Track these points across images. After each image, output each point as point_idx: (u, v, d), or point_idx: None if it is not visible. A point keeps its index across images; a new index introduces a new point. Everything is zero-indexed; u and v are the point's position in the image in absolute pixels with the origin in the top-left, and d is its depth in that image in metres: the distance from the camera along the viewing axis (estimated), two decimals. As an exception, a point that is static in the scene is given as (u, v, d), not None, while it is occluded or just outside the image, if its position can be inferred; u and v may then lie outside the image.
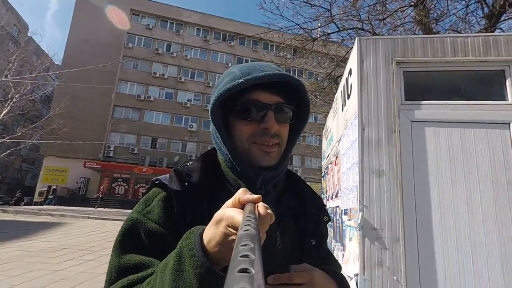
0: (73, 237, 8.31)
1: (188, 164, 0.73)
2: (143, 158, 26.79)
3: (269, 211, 0.42)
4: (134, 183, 26.65)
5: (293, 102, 0.69)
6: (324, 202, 0.83)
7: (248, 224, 0.29)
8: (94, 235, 8.92)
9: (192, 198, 0.62)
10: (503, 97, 1.62)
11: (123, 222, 0.62)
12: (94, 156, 25.98)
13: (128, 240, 0.59)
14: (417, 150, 1.65)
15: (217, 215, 0.44)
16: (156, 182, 0.66)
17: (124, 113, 28.05)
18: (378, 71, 1.73)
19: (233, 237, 0.41)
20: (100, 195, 24.00)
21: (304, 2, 6.33)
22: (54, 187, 23.96)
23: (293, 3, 6.22)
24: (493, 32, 5.47)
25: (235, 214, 0.40)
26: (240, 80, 0.61)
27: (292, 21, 7.44)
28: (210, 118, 0.66)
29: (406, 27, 6.45)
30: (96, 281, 4.50)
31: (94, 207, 22.56)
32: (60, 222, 11.63)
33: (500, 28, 6.53)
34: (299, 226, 0.73)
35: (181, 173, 0.66)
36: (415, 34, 6.87)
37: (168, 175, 0.67)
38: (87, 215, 14.23)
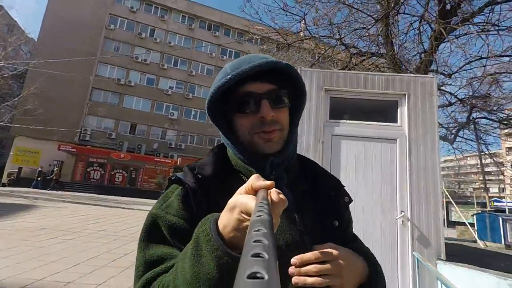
0: (51, 218, 8.57)
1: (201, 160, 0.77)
2: (121, 143, 26.53)
3: (281, 196, 0.43)
4: (110, 169, 26.38)
5: (289, 86, 0.71)
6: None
7: (261, 210, 0.30)
8: (71, 218, 9.20)
9: (206, 190, 0.65)
10: (395, 120, 2.28)
11: (145, 219, 0.66)
12: (69, 139, 25.42)
13: (150, 235, 0.62)
14: (334, 156, 2.28)
15: (231, 201, 0.46)
16: (173, 178, 0.70)
17: (103, 96, 27.52)
18: (311, 95, 2.34)
19: (246, 223, 0.42)
20: (54, 177, 23.26)
21: (281, 8, 6.87)
22: (40, 168, 23.26)
23: (270, 10, 6.74)
24: (433, 53, 6.25)
25: (248, 201, 0.42)
26: (229, 76, 0.63)
27: (270, 26, 7.94)
28: (208, 116, 0.70)
29: (370, 39, 7.18)
30: (78, 256, 4.94)
31: (51, 189, 21.57)
32: (35, 204, 11.70)
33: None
34: (318, 207, 0.73)
35: (194, 168, 0.69)
36: (377, 45, 7.65)
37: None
38: (61, 199, 14.28)
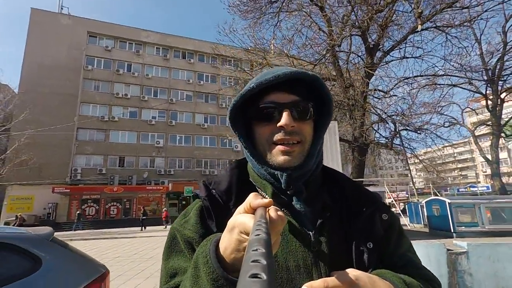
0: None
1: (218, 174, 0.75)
2: (112, 177, 27.40)
3: (280, 213, 0.42)
4: (105, 203, 27.17)
5: (315, 99, 0.68)
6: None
7: (259, 229, 0.29)
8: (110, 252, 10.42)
9: (221, 205, 0.65)
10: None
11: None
12: (61, 180, 26.11)
13: (171, 248, 0.66)
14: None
15: (230, 222, 0.45)
16: (193, 194, 0.72)
17: (89, 135, 28.41)
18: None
19: (246, 243, 0.40)
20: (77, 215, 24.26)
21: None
22: (79, 211, 23.84)
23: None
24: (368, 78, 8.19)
25: (246, 220, 0.41)
26: (252, 85, 0.62)
27: (242, 47, 9.86)
28: (230, 125, 0.68)
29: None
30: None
31: (73, 229, 22.74)
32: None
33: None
34: (346, 227, 0.67)
35: (210, 183, 0.69)
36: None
37: None
38: (74, 237, 15.25)
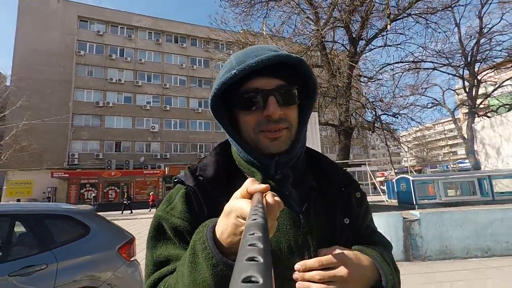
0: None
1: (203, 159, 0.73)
2: (109, 162, 28.01)
3: (276, 199, 0.43)
4: (103, 187, 27.89)
5: (298, 81, 0.67)
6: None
7: (256, 214, 0.30)
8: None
9: (208, 191, 0.63)
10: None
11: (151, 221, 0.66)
12: (59, 165, 26.65)
13: (157, 237, 0.64)
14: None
15: (227, 206, 0.46)
16: (175, 180, 0.70)
17: (84, 120, 28.66)
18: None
19: (243, 227, 0.41)
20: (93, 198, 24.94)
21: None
22: (94, 195, 24.69)
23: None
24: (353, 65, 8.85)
25: (243, 205, 0.42)
26: (234, 71, 0.60)
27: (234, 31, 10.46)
28: (212, 113, 0.66)
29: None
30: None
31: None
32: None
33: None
34: (328, 206, 0.70)
35: (196, 169, 0.68)
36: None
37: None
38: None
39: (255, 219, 0.28)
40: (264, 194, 0.42)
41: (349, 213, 0.70)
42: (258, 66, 0.59)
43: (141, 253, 7.07)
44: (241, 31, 11.56)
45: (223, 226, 0.46)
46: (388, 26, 7.53)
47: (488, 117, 12.30)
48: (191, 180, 0.65)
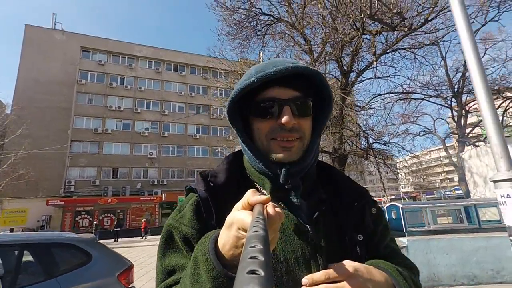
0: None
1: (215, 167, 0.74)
2: (105, 188, 27.89)
3: (277, 210, 0.42)
4: (98, 214, 27.51)
5: (314, 94, 0.69)
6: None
7: (257, 225, 0.30)
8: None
9: (218, 198, 0.64)
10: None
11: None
12: (54, 193, 26.46)
13: (166, 245, 0.64)
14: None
15: (228, 218, 0.46)
16: (187, 187, 0.70)
17: (82, 147, 28.85)
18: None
19: (244, 239, 0.39)
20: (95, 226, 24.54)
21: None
22: (96, 222, 24.33)
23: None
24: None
25: (244, 217, 0.41)
26: (252, 79, 0.61)
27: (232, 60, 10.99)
28: (228, 119, 0.68)
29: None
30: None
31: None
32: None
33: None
34: (338, 219, 0.69)
35: (207, 176, 0.68)
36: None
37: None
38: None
39: (256, 231, 0.28)
40: (265, 206, 0.42)
41: (363, 230, 0.68)
42: (276, 76, 0.61)
43: (138, 281, 7.06)
44: (239, 60, 12.19)
45: (225, 238, 0.46)
46: (374, 63, 8.08)
47: (476, 146, 12.77)
48: (202, 185, 0.66)
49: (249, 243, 0.25)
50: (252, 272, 0.20)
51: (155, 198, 28.48)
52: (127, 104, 31.47)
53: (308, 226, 0.65)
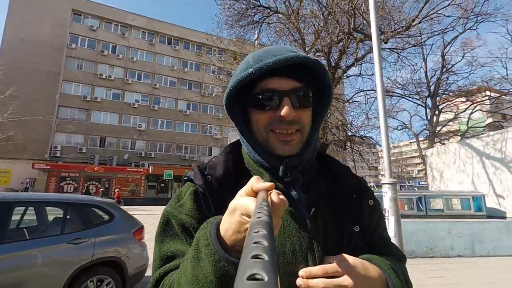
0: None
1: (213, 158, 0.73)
2: (92, 157, 28.10)
3: (281, 197, 0.43)
4: (83, 181, 27.84)
5: (314, 84, 0.67)
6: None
7: (261, 212, 0.30)
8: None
9: (216, 190, 0.64)
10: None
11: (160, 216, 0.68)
12: (40, 156, 26.51)
13: (165, 232, 0.65)
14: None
15: (232, 204, 0.46)
16: (185, 178, 0.71)
17: (70, 113, 28.64)
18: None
19: (247, 225, 0.41)
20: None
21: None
22: (102, 189, 24.99)
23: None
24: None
25: (248, 202, 0.42)
26: (250, 70, 0.60)
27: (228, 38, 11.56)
28: (225, 110, 0.67)
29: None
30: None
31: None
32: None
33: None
34: (337, 212, 0.69)
35: (205, 168, 0.68)
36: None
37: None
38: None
39: (260, 217, 0.28)
40: (269, 193, 0.43)
41: (360, 221, 0.68)
42: (275, 66, 0.59)
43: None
44: (235, 39, 12.66)
45: (228, 223, 0.46)
46: (356, 66, 8.89)
47: (442, 143, 14.12)
48: (200, 178, 0.66)
49: (253, 228, 0.25)
50: (256, 256, 0.20)
51: (142, 170, 29.04)
52: (118, 73, 31.07)
53: (307, 219, 0.65)
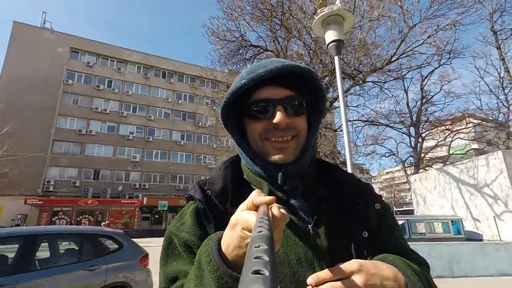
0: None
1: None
2: (86, 190, 27.88)
3: (282, 211, 0.43)
4: (76, 215, 27.35)
5: (307, 92, 0.68)
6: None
7: (262, 226, 0.30)
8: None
9: (216, 205, 0.64)
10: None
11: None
12: (32, 191, 26.20)
13: (168, 253, 0.65)
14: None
15: (233, 219, 0.46)
16: (186, 195, 0.70)
17: (65, 147, 28.82)
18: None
19: (248, 239, 0.40)
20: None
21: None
22: (107, 222, 24.20)
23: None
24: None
25: (249, 217, 0.42)
26: (244, 81, 0.61)
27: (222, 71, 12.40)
28: (222, 122, 0.68)
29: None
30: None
31: None
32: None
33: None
34: (341, 217, 0.68)
35: (204, 184, 0.68)
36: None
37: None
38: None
39: (261, 231, 0.28)
40: (270, 206, 0.43)
41: (368, 226, 0.66)
42: (267, 76, 0.61)
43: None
44: (226, 72, 13.60)
45: (229, 238, 0.46)
46: (340, 100, 9.83)
47: (426, 170, 14.93)
48: (200, 194, 0.66)
49: (254, 243, 0.25)
50: (257, 272, 0.20)
51: (136, 201, 28.82)
52: (113, 107, 31.80)
53: (309, 226, 0.64)
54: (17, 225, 25.75)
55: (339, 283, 0.49)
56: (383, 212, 0.71)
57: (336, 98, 12.52)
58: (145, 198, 28.57)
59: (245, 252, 0.35)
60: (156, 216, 29.77)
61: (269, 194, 0.61)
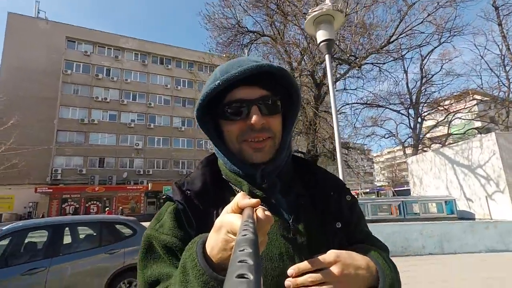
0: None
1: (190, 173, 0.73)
2: (92, 177, 28.70)
3: (267, 213, 0.43)
4: (85, 202, 28.34)
5: (282, 91, 0.69)
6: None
7: (246, 229, 0.30)
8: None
9: (196, 206, 0.63)
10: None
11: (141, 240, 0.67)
12: (41, 180, 27.03)
13: (147, 256, 0.63)
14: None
15: (217, 221, 0.46)
16: (163, 197, 0.69)
17: (69, 136, 29.39)
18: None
19: (233, 243, 0.39)
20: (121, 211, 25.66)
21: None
22: (121, 207, 25.51)
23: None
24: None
25: (233, 220, 0.42)
26: (217, 82, 0.61)
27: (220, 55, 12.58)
28: (198, 124, 0.68)
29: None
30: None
31: None
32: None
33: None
34: (318, 211, 0.71)
35: (183, 184, 0.68)
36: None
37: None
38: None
39: (246, 235, 0.28)
40: (254, 209, 0.43)
41: (341, 217, 0.70)
42: (241, 76, 0.60)
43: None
44: (224, 56, 13.73)
45: (214, 241, 0.46)
46: (336, 84, 10.02)
47: (424, 151, 15.24)
48: (179, 195, 0.65)
49: (239, 246, 0.25)
50: (241, 276, 0.20)
51: (141, 187, 29.69)
52: (113, 95, 32.01)
53: (289, 222, 0.65)
54: (29, 212, 26.77)
55: (318, 274, 0.53)
56: (352, 204, 0.75)
57: (334, 83, 12.70)
58: (149, 184, 29.36)
59: (230, 255, 0.39)
60: (161, 201, 30.29)
61: (249, 193, 0.65)
